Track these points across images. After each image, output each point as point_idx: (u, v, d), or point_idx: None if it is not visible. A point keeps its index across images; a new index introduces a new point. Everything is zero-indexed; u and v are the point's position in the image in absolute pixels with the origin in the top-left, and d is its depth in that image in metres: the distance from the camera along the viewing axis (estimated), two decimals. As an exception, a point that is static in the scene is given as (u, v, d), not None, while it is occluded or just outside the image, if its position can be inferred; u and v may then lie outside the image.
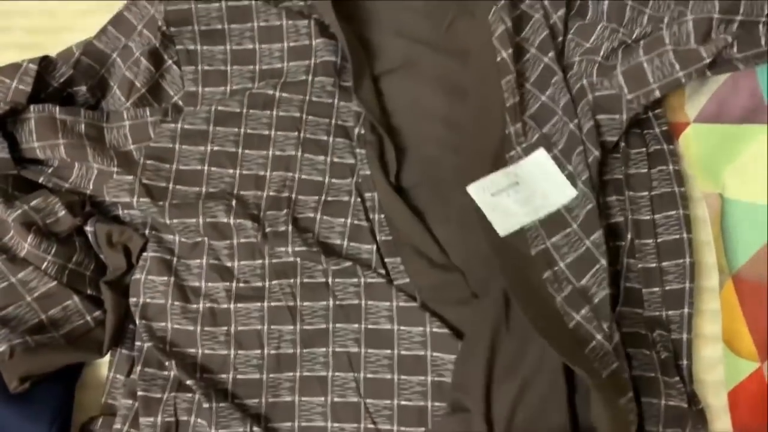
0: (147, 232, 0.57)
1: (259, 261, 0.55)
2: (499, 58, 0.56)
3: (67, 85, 0.58)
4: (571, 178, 0.54)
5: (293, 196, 0.57)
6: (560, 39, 0.58)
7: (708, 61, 0.50)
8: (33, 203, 0.54)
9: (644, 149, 0.56)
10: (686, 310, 0.52)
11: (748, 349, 0.50)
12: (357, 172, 0.57)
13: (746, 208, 0.50)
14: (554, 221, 0.53)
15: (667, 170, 0.55)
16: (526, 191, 0.54)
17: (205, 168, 0.57)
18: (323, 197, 0.57)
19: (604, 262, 0.50)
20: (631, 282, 0.53)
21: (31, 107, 0.55)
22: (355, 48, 0.60)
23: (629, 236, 0.53)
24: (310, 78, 0.59)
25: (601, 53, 0.55)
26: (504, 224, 0.54)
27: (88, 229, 0.55)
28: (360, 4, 0.63)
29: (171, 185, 0.57)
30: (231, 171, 0.57)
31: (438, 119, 0.59)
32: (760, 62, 0.51)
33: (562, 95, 0.55)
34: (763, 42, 0.49)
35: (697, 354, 0.53)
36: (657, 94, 0.52)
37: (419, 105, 0.60)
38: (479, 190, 0.55)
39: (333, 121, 0.59)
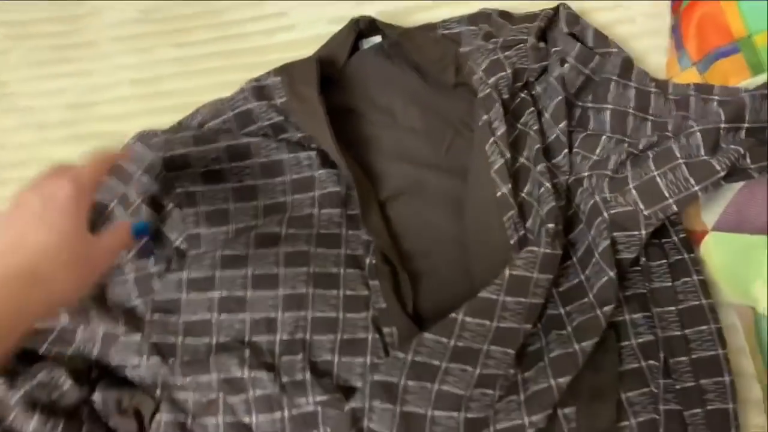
0: (158, 392, 0.54)
1: (278, 414, 0.52)
2: (498, 193, 0.55)
3: None
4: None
5: (308, 337, 0.54)
6: (565, 151, 0.57)
7: (723, 174, 0.49)
8: (37, 379, 0.51)
9: (665, 261, 0.54)
10: (733, 432, 0.50)
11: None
12: (372, 305, 0.55)
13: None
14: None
15: (692, 282, 0.53)
16: None
17: (214, 316, 0.55)
18: (339, 336, 0.54)
19: None
20: (670, 404, 0.50)
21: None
22: (358, 177, 0.58)
23: (661, 356, 0.51)
24: (316, 211, 0.58)
25: (610, 166, 0.54)
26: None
27: (96, 398, 0.52)
28: (359, 130, 0.63)
29: (180, 339, 0.55)
30: (241, 316, 0.55)
31: (449, 240, 0.58)
32: (775, 171, 0.50)
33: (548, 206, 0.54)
34: (775, 150, 0.49)
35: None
36: (674, 208, 0.51)
37: (429, 227, 0.59)
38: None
39: (342, 252, 0.57)
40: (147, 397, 0.54)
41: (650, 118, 0.56)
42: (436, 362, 0.49)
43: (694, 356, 0.51)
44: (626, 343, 0.52)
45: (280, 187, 0.60)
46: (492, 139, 0.57)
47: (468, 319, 0.49)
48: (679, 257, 0.54)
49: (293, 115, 0.60)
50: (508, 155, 0.56)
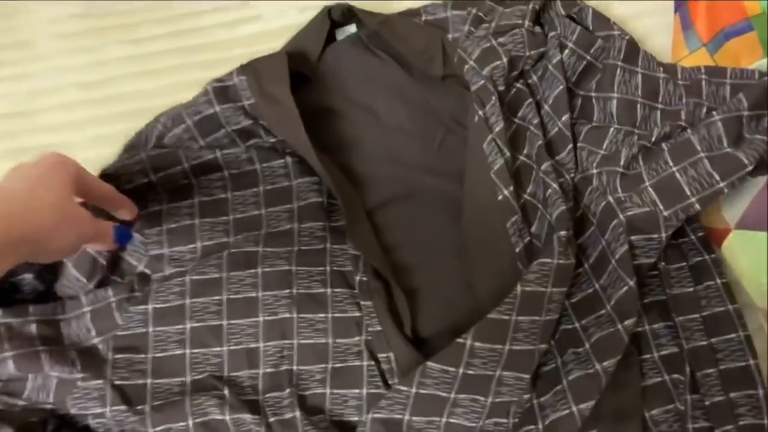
0: None
1: None
2: (500, 197, 0.50)
3: (9, 273, 0.49)
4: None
5: (294, 368, 0.48)
6: (569, 146, 0.52)
7: (750, 168, 0.44)
8: None
9: (684, 263, 0.50)
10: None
11: None
12: (365, 328, 0.49)
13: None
14: None
15: (715, 285, 0.49)
16: None
17: (187, 351, 0.49)
18: (330, 364, 0.48)
19: None
20: (699, 421, 0.46)
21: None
22: (341, 184, 0.52)
23: (687, 369, 0.47)
24: (296, 225, 0.52)
25: (621, 162, 0.49)
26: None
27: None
28: (339, 132, 0.56)
29: (149, 381, 0.48)
30: (217, 349, 0.49)
31: (446, 251, 0.52)
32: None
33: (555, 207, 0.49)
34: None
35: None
36: (697, 207, 0.46)
37: (424, 237, 0.53)
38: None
39: (328, 269, 0.51)
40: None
41: (660, 106, 0.51)
42: (444, 394, 0.44)
43: (722, 367, 0.47)
44: (647, 356, 0.48)
45: (252, 199, 0.53)
46: (490, 137, 0.51)
47: (477, 344, 0.43)
48: (700, 258, 0.50)
49: (264, 118, 0.54)
50: (508, 154, 0.51)
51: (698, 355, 0.47)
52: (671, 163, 0.47)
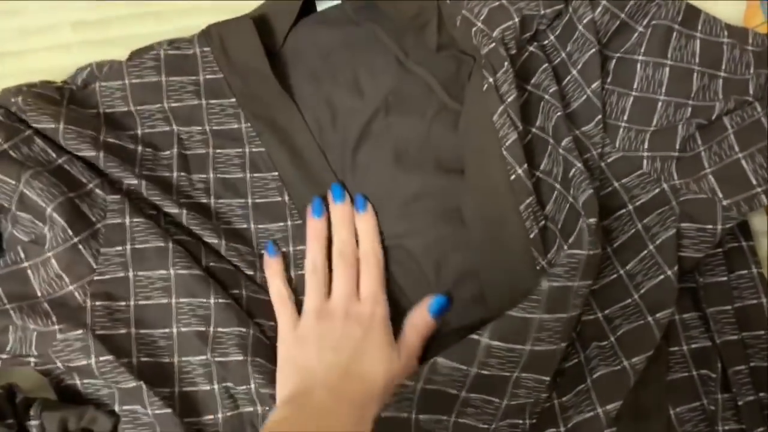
0: (117, 407, 0.44)
1: None
2: (513, 176, 0.45)
3: None
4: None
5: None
6: (598, 117, 0.47)
7: None
8: None
9: (719, 249, 0.46)
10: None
11: None
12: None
13: None
14: None
15: (749, 275, 0.46)
16: None
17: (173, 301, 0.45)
18: None
19: None
20: (730, 423, 0.43)
21: None
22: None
23: (719, 365, 0.44)
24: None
25: (677, 145, 0.45)
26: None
27: (33, 422, 0.42)
28: (315, 108, 0.51)
29: (133, 330, 0.45)
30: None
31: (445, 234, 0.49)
32: None
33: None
34: None
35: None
36: (764, 200, 0.42)
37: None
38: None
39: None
40: (100, 413, 0.44)
41: (722, 74, 0.46)
42: (453, 391, 0.41)
43: (752, 364, 0.44)
44: (675, 348, 0.45)
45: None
46: (502, 108, 0.46)
47: (495, 343, 0.40)
48: (736, 244, 0.46)
49: (241, 99, 0.50)
50: (521, 127, 0.46)
51: (729, 350, 0.44)
52: (737, 149, 0.43)
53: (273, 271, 0.47)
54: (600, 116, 0.47)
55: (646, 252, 0.43)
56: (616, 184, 0.46)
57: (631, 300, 0.43)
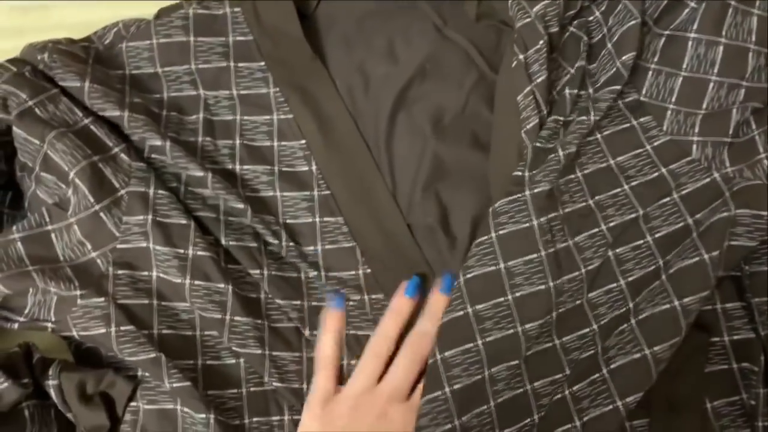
0: (140, 373, 0.43)
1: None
2: None
3: None
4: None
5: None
6: (617, 87, 0.45)
7: None
8: None
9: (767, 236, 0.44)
10: None
11: None
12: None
13: None
14: None
15: (797, 263, 0.44)
16: None
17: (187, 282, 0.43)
18: None
19: None
20: (769, 420, 0.41)
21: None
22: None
23: (762, 359, 0.42)
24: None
25: (731, 130, 0.42)
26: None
27: (51, 383, 0.42)
28: (346, 74, 0.49)
29: (155, 302, 0.43)
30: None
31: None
32: None
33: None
34: None
35: None
36: None
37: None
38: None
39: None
40: (120, 378, 0.43)
41: None
42: (477, 376, 0.40)
43: (795, 360, 0.42)
44: (716, 339, 0.43)
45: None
46: (528, 88, 0.44)
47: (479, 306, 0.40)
48: (785, 230, 0.44)
49: (270, 62, 0.48)
50: (545, 111, 0.44)
51: (773, 343, 0.42)
52: None
53: (330, 326, 0.43)
54: (619, 87, 0.44)
55: (688, 240, 0.41)
56: (663, 170, 0.44)
57: (657, 282, 0.41)
